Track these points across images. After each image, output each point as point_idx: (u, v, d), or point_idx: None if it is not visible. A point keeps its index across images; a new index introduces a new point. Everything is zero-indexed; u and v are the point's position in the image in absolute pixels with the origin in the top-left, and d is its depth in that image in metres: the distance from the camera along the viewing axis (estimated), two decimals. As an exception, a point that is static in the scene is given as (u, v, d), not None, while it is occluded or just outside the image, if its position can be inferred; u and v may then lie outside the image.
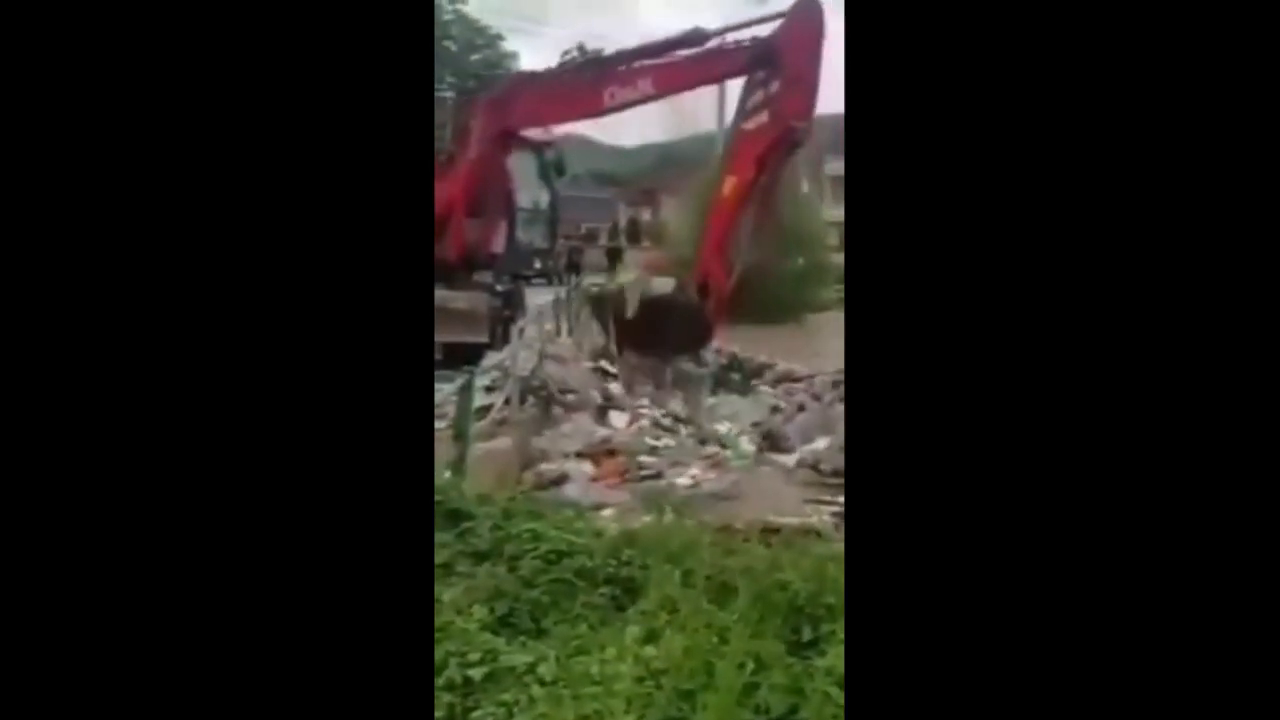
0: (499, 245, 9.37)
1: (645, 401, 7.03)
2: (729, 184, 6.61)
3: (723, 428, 6.56)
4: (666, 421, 6.65)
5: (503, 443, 5.67)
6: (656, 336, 6.77)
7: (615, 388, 7.29)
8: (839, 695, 1.97)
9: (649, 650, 1.98)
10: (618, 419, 6.61)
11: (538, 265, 11.11)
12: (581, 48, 7.49)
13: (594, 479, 5.10)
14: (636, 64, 7.12)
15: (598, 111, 7.27)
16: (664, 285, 7.20)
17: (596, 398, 6.88)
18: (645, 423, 6.55)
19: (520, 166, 9.77)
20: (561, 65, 7.59)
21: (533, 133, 9.26)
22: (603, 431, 6.09)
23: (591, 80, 7.21)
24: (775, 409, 7.33)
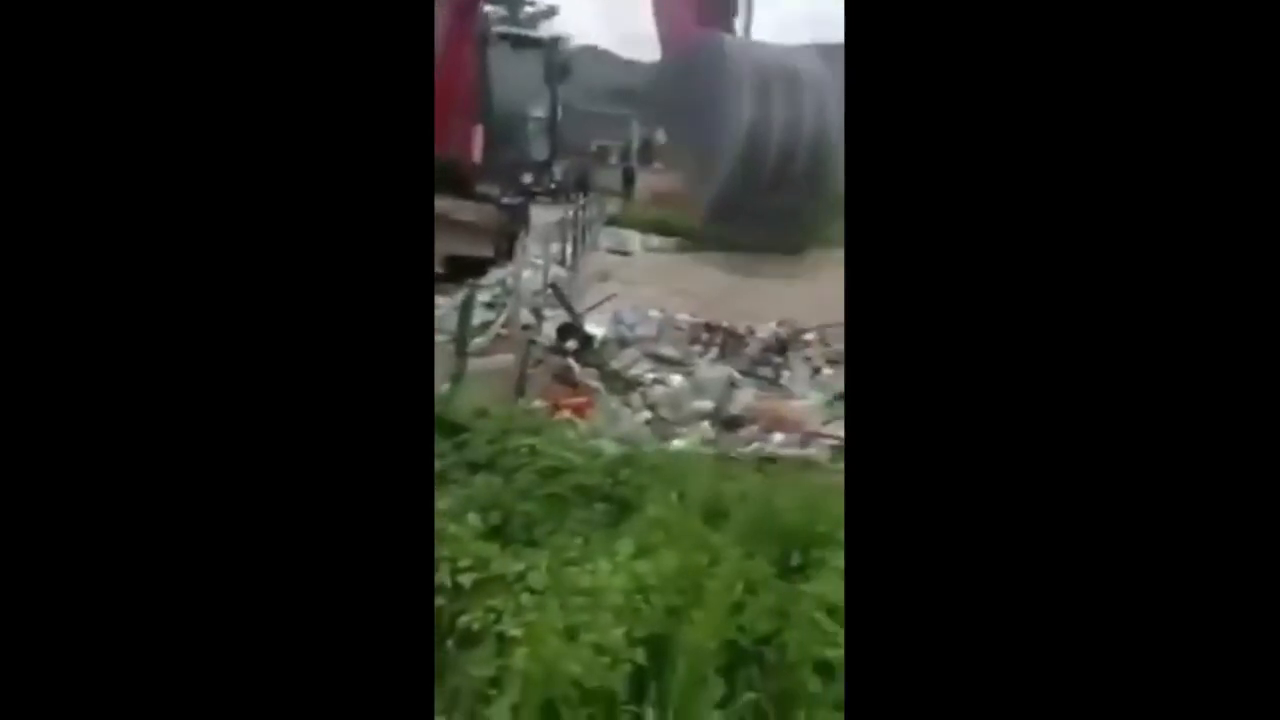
0: (477, 154, 8.60)
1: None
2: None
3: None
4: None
5: (502, 359, 5.66)
6: None
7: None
8: (825, 620, 1.99)
9: (640, 566, 1.99)
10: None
11: (528, 179, 10.06)
12: None
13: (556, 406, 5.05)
14: None
15: None
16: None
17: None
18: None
19: (522, 69, 9.06)
20: None
21: (537, 31, 8.49)
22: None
23: None
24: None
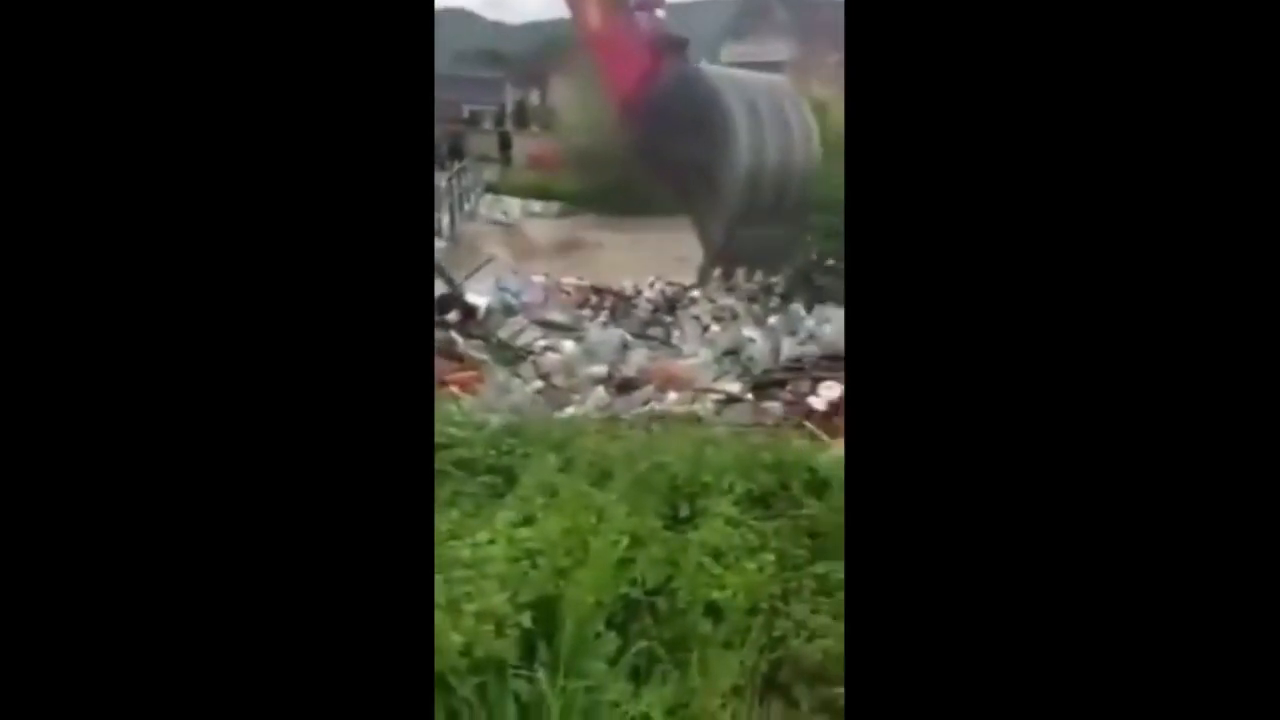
0: None
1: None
2: None
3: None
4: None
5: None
6: None
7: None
8: (711, 564, 2.06)
9: (524, 532, 1.98)
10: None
11: None
12: None
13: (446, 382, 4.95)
14: None
15: None
16: None
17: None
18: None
19: None
20: None
21: None
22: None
23: None
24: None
